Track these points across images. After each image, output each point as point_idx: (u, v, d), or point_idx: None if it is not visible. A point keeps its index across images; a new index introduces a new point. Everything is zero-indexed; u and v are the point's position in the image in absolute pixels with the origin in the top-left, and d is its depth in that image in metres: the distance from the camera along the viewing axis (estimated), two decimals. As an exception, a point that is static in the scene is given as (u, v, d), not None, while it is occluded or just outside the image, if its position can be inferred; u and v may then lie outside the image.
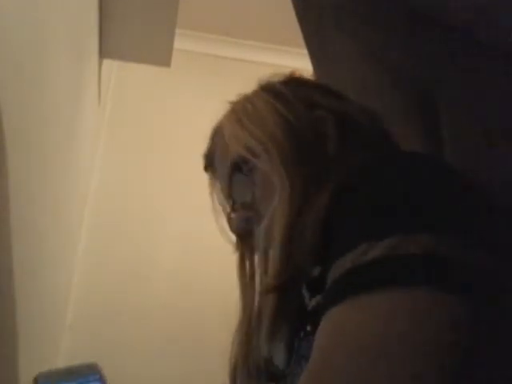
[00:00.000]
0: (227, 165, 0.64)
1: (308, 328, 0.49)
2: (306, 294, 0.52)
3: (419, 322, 0.37)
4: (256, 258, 0.66)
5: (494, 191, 0.52)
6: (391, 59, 0.64)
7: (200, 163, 0.72)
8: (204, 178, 0.73)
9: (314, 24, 0.75)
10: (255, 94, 0.67)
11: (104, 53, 1.63)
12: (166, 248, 2.02)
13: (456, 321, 0.37)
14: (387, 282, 0.39)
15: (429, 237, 0.39)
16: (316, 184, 0.54)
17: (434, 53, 0.59)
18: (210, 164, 0.71)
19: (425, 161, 0.48)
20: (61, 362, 1.70)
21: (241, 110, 0.65)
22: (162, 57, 1.65)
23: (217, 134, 0.69)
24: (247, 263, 0.67)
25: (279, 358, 0.54)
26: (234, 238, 0.68)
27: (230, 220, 0.66)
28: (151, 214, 2.05)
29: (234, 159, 0.63)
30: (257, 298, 0.61)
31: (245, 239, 0.67)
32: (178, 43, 1.70)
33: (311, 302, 0.50)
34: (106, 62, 1.81)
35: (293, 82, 0.67)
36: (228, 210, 0.68)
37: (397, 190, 0.44)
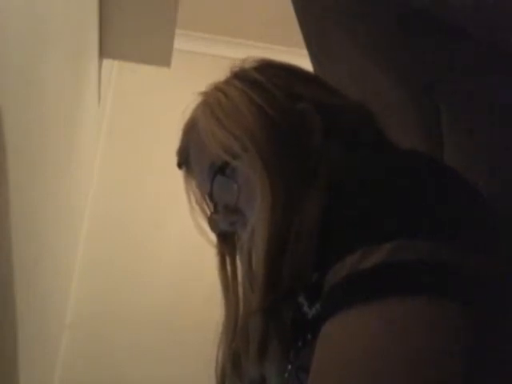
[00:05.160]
0: (206, 165, 0.60)
1: (308, 336, 0.47)
2: (304, 301, 0.49)
3: (419, 331, 0.36)
4: (238, 260, 0.63)
5: (493, 191, 0.52)
6: (391, 59, 0.64)
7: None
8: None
9: (313, 24, 0.75)
10: (228, 82, 0.61)
11: (104, 53, 1.63)
12: (166, 247, 2.02)
13: (457, 327, 0.37)
14: (386, 291, 0.38)
15: (429, 243, 0.39)
16: (301, 187, 0.52)
17: (435, 53, 0.59)
18: (184, 161, 0.66)
19: (423, 161, 0.47)
20: (60, 361, 1.70)
21: (215, 103, 0.59)
22: (162, 57, 1.65)
23: (191, 129, 0.63)
24: (228, 264, 0.64)
25: (272, 378, 0.51)
26: (213, 237, 0.65)
27: (210, 221, 0.62)
28: (151, 214, 2.05)
29: (214, 162, 0.59)
30: (240, 303, 0.59)
31: (226, 240, 0.64)
32: (178, 43, 1.70)
33: (311, 311, 0.48)
34: (106, 62, 1.81)
35: (268, 67, 0.62)
36: (208, 210, 0.65)
37: (394, 192, 0.42)
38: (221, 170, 0.58)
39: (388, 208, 0.42)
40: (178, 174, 0.68)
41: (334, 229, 0.44)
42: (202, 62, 2.24)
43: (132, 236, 2.01)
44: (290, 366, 0.50)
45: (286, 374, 0.50)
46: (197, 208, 0.67)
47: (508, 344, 0.39)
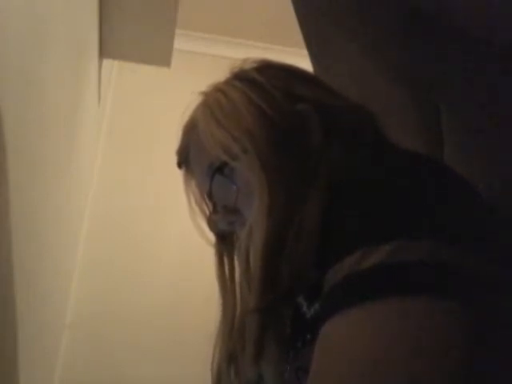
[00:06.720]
0: (205, 166, 0.60)
1: (308, 337, 0.48)
2: (303, 302, 0.49)
3: (419, 331, 0.36)
4: (236, 261, 0.63)
5: (494, 191, 0.52)
6: (391, 59, 0.64)
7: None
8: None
9: (313, 24, 0.75)
10: (228, 83, 0.61)
11: (104, 53, 1.63)
12: (166, 247, 2.02)
13: (457, 327, 0.37)
14: (386, 291, 0.38)
15: (429, 243, 0.39)
16: (301, 187, 0.51)
17: (434, 53, 0.59)
18: (184, 161, 0.65)
19: (423, 161, 0.47)
20: (60, 361, 1.70)
21: (214, 104, 0.59)
22: (162, 57, 1.65)
23: (191, 129, 0.63)
24: (226, 264, 0.64)
25: (270, 378, 0.51)
26: (212, 237, 0.65)
27: (210, 221, 0.62)
28: (151, 214, 2.05)
29: (213, 162, 0.59)
30: (238, 303, 0.59)
31: (224, 239, 0.64)
32: (178, 43, 1.70)
33: (310, 311, 0.48)
34: (106, 62, 1.81)
35: (268, 68, 0.62)
36: (207, 210, 0.65)
37: (394, 192, 0.43)
38: (219, 169, 0.58)
39: (388, 208, 0.42)
40: (178, 174, 0.68)
41: (334, 229, 0.45)
42: (201, 62, 2.24)
43: (132, 236, 2.01)
44: (288, 367, 0.50)
45: (286, 374, 0.50)
46: (196, 208, 0.67)
47: (508, 344, 0.39)
